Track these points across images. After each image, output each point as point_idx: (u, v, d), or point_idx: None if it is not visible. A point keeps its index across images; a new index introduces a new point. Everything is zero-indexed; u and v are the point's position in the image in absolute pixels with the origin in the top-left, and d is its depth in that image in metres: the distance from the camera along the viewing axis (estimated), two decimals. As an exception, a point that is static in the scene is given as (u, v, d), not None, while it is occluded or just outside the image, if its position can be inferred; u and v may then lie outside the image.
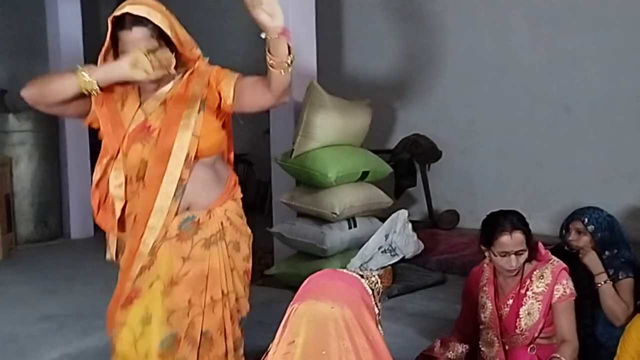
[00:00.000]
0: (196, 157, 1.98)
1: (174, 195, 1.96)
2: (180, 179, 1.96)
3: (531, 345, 2.47)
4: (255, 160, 6.93)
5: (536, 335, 2.45)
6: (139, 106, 2.02)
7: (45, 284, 4.43)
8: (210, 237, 2.00)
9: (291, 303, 1.49)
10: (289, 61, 1.84)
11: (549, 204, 5.14)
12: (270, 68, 1.86)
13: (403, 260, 4.26)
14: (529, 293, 2.43)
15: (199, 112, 1.98)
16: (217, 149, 2.07)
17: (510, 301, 2.48)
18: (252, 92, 1.97)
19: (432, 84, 6.00)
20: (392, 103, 6.13)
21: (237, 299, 2.06)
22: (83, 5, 5.96)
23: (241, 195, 2.17)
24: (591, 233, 2.73)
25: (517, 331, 2.46)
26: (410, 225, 4.31)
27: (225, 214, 2.05)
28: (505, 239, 2.35)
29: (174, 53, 1.97)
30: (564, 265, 2.46)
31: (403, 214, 4.25)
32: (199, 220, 2.01)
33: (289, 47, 1.83)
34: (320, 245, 4.04)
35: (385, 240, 4.12)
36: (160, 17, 1.91)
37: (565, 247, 2.75)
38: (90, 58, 7.06)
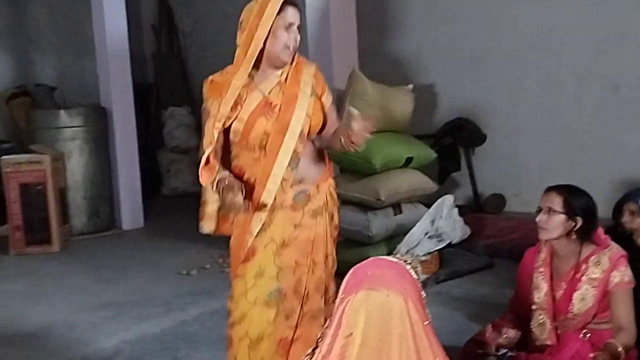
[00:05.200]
0: (308, 134, 2.28)
1: (289, 164, 2.25)
2: (295, 152, 2.25)
3: (584, 330, 2.45)
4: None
5: (589, 320, 2.43)
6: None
7: (100, 273, 4.60)
8: (317, 208, 2.31)
9: (341, 296, 1.48)
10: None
11: (598, 186, 4.94)
12: (337, 142, 2.24)
13: (450, 245, 4.25)
14: (584, 278, 2.40)
15: (310, 95, 2.27)
16: (320, 128, 2.35)
17: (564, 284, 2.46)
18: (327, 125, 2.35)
19: (474, 67, 5.92)
20: (434, 87, 6.07)
21: (333, 261, 2.37)
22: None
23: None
24: (646, 214, 2.68)
25: (570, 315, 2.44)
26: (456, 210, 4.29)
27: (329, 188, 2.35)
28: (544, 194, 2.46)
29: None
30: (624, 252, 2.41)
31: (449, 199, 4.24)
32: (309, 193, 2.30)
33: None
34: (366, 232, 4.07)
35: (432, 225, 4.12)
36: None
37: (618, 229, 2.70)
38: (135, 52, 7.19)
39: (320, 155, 2.37)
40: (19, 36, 7.60)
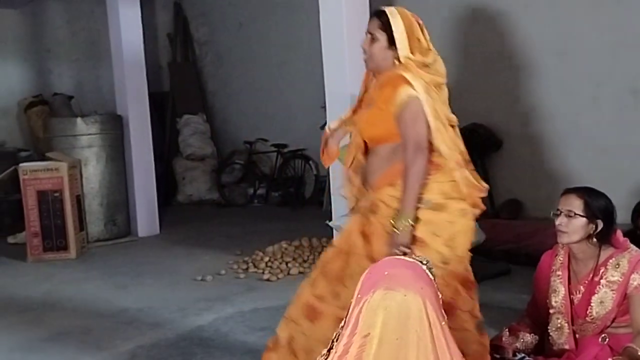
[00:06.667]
0: (371, 142, 2.40)
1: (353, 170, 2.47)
2: (355, 158, 2.46)
3: (602, 335, 2.41)
4: (313, 154, 6.99)
5: (608, 324, 2.39)
6: None
7: (116, 279, 4.62)
8: (367, 207, 2.37)
9: (357, 296, 1.47)
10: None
11: (616, 191, 4.91)
12: None
13: (465, 250, 4.21)
14: (602, 281, 2.36)
15: (370, 105, 2.40)
16: (379, 139, 2.38)
17: (583, 288, 2.42)
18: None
19: (490, 71, 5.90)
20: (449, 92, 6.04)
21: None
22: (141, 9, 6.13)
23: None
24: (664, 217, 2.64)
25: (588, 319, 2.40)
26: (471, 215, 4.25)
27: (383, 195, 2.34)
28: (562, 197, 2.42)
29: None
30: None
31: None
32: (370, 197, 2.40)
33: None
34: (381, 237, 4.04)
35: (447, 230, 4.08)
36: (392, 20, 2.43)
37: (637, 232, 2.66)
38: (151, 61, 7.21)
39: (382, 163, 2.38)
40: (37, 46, 7.72)
